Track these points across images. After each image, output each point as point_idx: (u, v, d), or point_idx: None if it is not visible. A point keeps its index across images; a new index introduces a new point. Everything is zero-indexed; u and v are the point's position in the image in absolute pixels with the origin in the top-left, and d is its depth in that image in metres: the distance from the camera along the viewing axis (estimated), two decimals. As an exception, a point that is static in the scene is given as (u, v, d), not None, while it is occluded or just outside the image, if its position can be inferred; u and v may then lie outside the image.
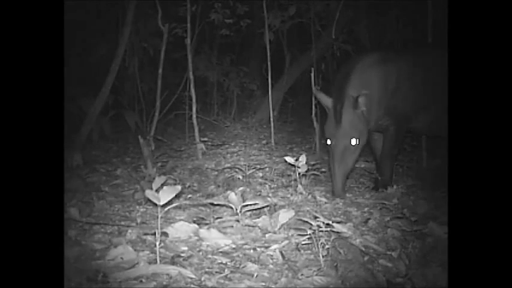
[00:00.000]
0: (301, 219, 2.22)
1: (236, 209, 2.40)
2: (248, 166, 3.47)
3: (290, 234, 2.23)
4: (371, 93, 2.93)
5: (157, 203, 1.90)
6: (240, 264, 1.90)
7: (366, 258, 1.98)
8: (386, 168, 3.22)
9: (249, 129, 5.70)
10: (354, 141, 2.91)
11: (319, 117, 4.44)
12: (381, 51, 3.32)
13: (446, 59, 3.24)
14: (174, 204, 2.14)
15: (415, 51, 3.41)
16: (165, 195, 1.90)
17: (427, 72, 3.14)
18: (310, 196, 2.96)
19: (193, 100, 4.30)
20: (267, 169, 3.68)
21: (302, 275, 1.80)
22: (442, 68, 3.12)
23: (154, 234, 1.93)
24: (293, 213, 2.37)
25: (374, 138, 3.34)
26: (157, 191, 1.92)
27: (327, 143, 2.98)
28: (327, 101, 3.03)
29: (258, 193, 3.04)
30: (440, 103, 3.14)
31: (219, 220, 2.42)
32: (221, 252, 2.04)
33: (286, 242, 2.14)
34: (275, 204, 2.69)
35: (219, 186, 3.23)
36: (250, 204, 2.45)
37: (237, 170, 3.46)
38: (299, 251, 2.05)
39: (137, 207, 2.70)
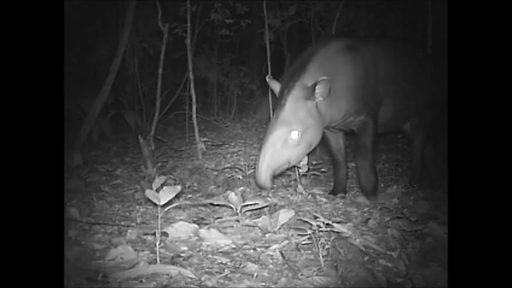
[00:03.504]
0: (301, 219, 2.22)
1: (236, 209, 2.40)
2: (248, 166, 3.46)
3: (290, 234, 2.23)
4: (337, 82, 2.62)
5: (157, 203, 1.90)
6: (240, 264, 1.90)
7: (366, 258, 1.98)
8: (370, 172, 2.88)
9: (249, 129, 5.70)
10: (294, 134, 2.55)
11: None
12: (344, 38, 3.02)
13: (410, 52, 3.20)
14: (174, 204, 2.14)
15: (377, 42, 3.22)
16: (165, 195, 1.90)
17: (389, 63, 2.95)
18: (310, 196, 2.96)
19: (193, 100, 4.31)
20: (267, 169, 3.67)
21: (302, 275, 1.80)
22: (404, 60, 3.10)
23: (154, 234, 1.93)
24: (293, 213, 2.37)
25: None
26: (157, 191, 1.92)
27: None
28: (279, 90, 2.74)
29: (258, 193, 3.04)
30: (399, 96, 3.00)
31: (219, 220, 2.42)
32: (221, 252, 2.04)
33: (286, 242, 2.14)
34: (275, 204, 2.69)
35: (219, 186, 3.23)
36: (250, 204, 2.45)
37: (237, 170, 3.46)
38: (299, 251, 2.05)
39: (137, 207, 2.70)
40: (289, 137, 2.56)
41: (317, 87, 2.53)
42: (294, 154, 2.63)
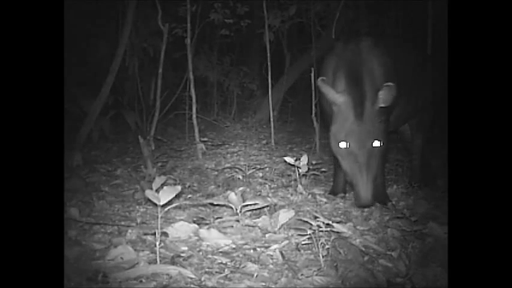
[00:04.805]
0: (301, 219, 2.22)
1: (236, 209, 2.40)
2: (248, 166, 3.47)
3: (290, 234, 2.23)
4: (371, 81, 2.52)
5: (157, 203, 1.90)
6: (240, 264, 1.90)
7: (366, 258, 1.98)
8: (380, 183, 2.80)
9: (249, 129, 5.70)
10: (377, 143, 2.47)
11: (319, 117, 4.44)
12: (369, 37, 2.93)
13: (410, 52, 3.11)
14: (174, 204, 2.14)
15: (392, 41, 3.17)
16: (165, 195, 1.90)
17: (399, 62, 2.87)
18: (310, 196, 2.96)
19: (193, 100, 4.31)
20: (267, 169, 3.68)
21: (302, 275, 1.80)
22: (406, 60, 2.97)
23: (154, 234, 1.93)
24: (293, 213, 2.37)
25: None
26: (157, 191, 1.92)
27: (341, 146, 2.49)
28: (334, 96, 2.52)
29: (258, 193, 3.04)
30: (404, 97, 2.84)
31: (219, 220, 2.42)
32: (221, 252, 2.04)
33: (286, 242, 2.14)
34: (275, 204, 2.69)
35: (219, 186, 3.22)
36: (250, 204, 2.45)
37: (237, 170, 3.46)
38: (299, 251, 2.05)
39: (137, 207, 2.70)
40: (373, 147, 2.46)
41: (380, 92, 2.45)
42: (379, 163, 2.54)
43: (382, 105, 2.49)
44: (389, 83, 2.45)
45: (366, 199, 2.46)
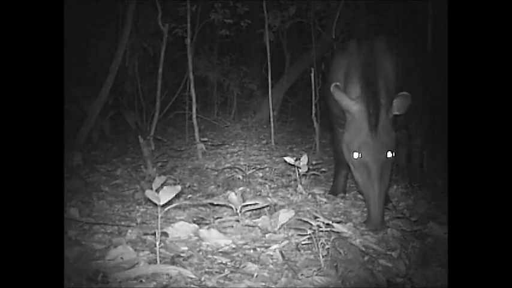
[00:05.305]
0: (301, 219, 2.22)
1: (236, 209, 2.40)
2: (248, 166, 3.47)
3: (290, 234, 2.23)
4: (383, 82, 2.44)
5: (157, 203, 1.90)
6: (240, 264, 1.90)
7: (366, 258, 1.98)
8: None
9: (249, 129, 5.70)
10: (390, 154, 2.36)
11: (319, 117, 4.45)
12: (381, 37, 2.74)
13: (411, 52, 3.07)
14: (174, 204, 2.14)
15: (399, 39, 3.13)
16: (165, 195, 1.90)
17: (404, 62, 2.78)
18: (310, 196, 2.96)
19: (193, 100, 4.31)
20: (267, 169, 3.68)
21: (302, 275, 1.80)
22: (408, 60, 2.88)
23: (154, 234, 1.93)
24: (293, 213, 2.37)
25: None
26: (157, 191, 1.92)
27: (354, 156, 2.38)
28: (348, 103, 2.41)
29: (258, 193, 3.04)
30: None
31: (219, 220, 2.42)
32: (221, 252, 2.04)
33: (286, 242, 2.14)
34: (275, 204, 2.69)
35: (219, 186, 3.23)
36: (250, 204, 2.45)
37: (237, 170, 3.46)
38: (299, 251, 2.05)
39: (137, 207, 2.70)
40: (386, 158, 2.35)
41: (395, 101, 2.38)
42: (389, 175, 2.44)
43: (396, 113, 2.42)
44: (405, 93, 2.37)
45: (375, 221, 2.33)
